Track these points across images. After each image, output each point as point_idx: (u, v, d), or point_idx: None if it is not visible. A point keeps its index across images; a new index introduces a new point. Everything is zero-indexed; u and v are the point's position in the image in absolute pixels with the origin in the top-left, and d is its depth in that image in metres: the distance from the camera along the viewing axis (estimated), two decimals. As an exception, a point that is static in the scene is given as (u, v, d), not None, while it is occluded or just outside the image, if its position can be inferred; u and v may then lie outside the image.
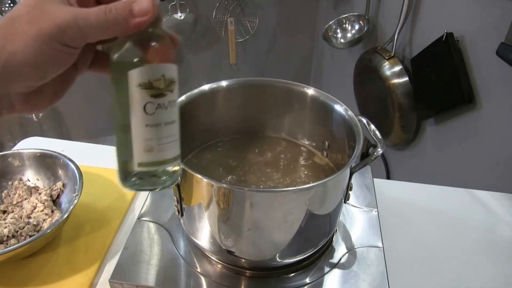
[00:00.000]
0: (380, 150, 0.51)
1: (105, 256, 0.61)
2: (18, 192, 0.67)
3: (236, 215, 0.48)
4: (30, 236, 0.59)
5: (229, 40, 1.88)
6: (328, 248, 0.60)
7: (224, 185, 0.47)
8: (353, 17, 1.46)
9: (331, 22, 1.49)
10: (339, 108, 0.59)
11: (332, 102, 0.61)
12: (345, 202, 0.56)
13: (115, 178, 0.34)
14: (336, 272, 0.57)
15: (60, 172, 0.67)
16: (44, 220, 0.62)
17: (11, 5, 1.47)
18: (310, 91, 0.63)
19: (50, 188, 0.67)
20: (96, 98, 1.95)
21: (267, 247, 0.52)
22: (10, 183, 0.68)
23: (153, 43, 0.31)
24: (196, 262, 0.57)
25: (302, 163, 0.66)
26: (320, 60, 2.04)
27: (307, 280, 0.55)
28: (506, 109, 0.85)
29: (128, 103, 0.31)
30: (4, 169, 0.68)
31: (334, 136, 0.63)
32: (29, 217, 0.62)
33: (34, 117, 1.80)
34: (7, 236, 0.58)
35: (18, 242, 0.57)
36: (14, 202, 0.66)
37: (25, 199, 0.66)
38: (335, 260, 0.58)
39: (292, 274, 0.56)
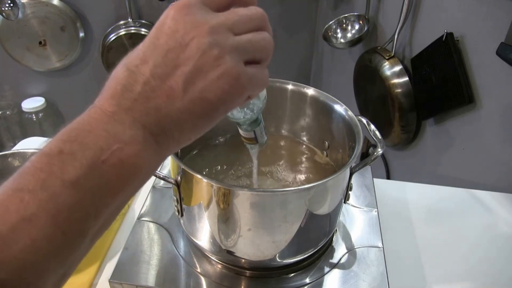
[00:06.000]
0: (380, 150, 0.52)
1: (105, 256, 0.61)
2: (18, 192, 0.67)
3: (236, 215, 0.48)
4: (30, 236, 0.59)
5: (229, 40, 1.88)
6: (328, 248, 0.60)
7: (224, 185, 0.47)
8: (353, 17, 1.46)
9: (331, 22, 1.48)
10: (339, 108, 0.59)
11: (332, 102, 0.61)
12: (345, 202, 0.56)
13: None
14: (336, 272, 0.57)
15: (60, 172, 0.67)
16: (44, 220, 0.62)
17: (11, 5, 1.47)
18: (310, 91, 0.63)
19: (50, 188, 0.67)
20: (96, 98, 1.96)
21: (267, 247, 0.52)
22: (10, 183, 0.68)
23: None
24: (196, 262, 0.57)
25: (302, 163, 0.66)
26: (320, 60, 2.04)
27: (307, 280, 0.55)
28: (506, 109, 0.85)
29: None
30: (4, 169, 0.68)
31: (334, 136, 0.63)
32: (29, 217, 0.62)
33: (34, 117, 1.80)
34: (7, 236, 0.58)
35: (18, 242, 0.57)
36: (14, 202, 0.66)
37: (25, 199, 0.66)
38: (335, 260, 0.58)
39: (292, 274, 0.56)
